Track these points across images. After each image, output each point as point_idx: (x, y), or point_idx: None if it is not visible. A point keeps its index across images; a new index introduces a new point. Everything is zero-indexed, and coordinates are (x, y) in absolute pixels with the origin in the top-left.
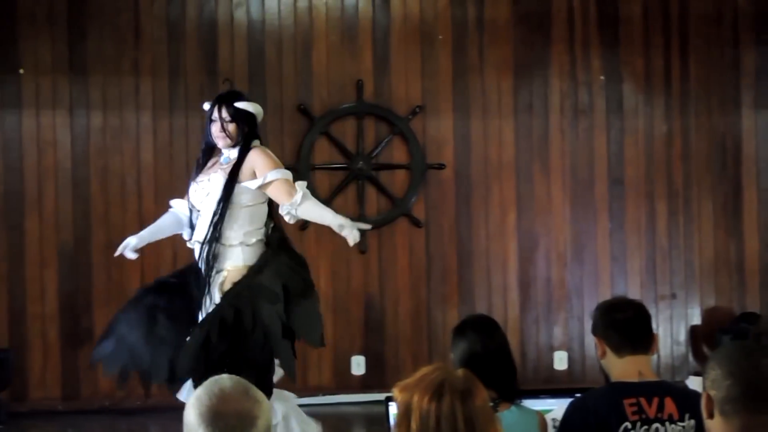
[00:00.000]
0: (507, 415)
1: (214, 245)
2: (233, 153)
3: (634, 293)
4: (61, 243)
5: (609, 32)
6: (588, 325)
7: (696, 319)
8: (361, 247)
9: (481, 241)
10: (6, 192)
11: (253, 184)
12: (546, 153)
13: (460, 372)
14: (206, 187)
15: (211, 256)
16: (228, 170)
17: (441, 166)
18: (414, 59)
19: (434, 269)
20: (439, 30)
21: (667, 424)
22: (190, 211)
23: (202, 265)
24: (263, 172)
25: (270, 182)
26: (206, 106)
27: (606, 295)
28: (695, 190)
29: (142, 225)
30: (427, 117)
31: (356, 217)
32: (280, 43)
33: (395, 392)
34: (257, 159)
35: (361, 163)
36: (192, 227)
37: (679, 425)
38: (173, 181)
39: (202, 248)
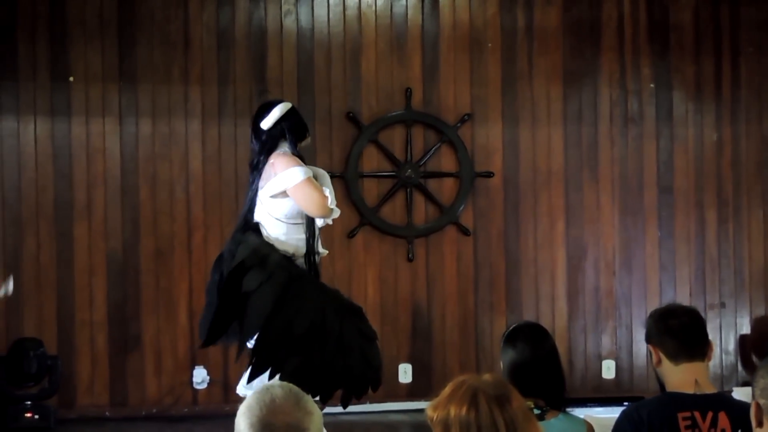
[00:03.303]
0: (554, 423)
1: None
2: None
3: (682, 302)
4: (109, 250)
5: (659, 40)
6: (636, 334)
7: (745, 329)
8: (409, 255)
9: (529, 249)
10: (55, 199)
11: None
12: (595, 161)
13: (489, 377)
14: None
15: None
16: None
17: (489, 175)
18: (463, 67)
19: (482, 277)
20: (489, 38)
21: None
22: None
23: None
24: None
25: None
26: (283, 107)
27: (655, 304)
28: (745, 199)
29: (190, 233)
30: (476, 125)
31: (404, 226)
32: (329, 51)
33: (429, 412)
34: None
35: (409, 171)
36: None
37: None
38: (222, 188)
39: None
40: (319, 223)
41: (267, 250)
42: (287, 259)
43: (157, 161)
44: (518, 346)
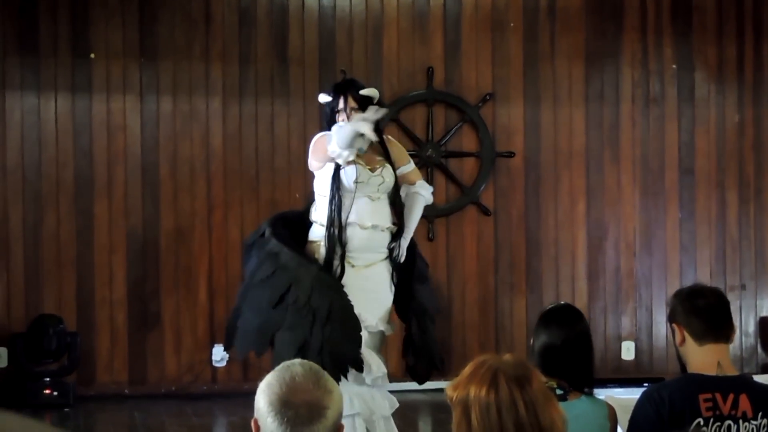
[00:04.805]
0: (576, 404)
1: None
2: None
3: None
4: (129, 228)
5: (682, 20)
6: (656, 315)
7: (766, 311)
8: (430, 234)
9: (549, 229)
10: (76, 176)
11: (398, 174)
12: (616, 142)
13: (510, 358)
14: (382, 177)
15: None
16: (388, 166)
17: (510, 155)
18: (485, 46)
19: (502, 257)
20: (511, 17)
21: (740, 421)
22: (338, 184)
23: (385, 248)
24: (405, 161)
25: (412, 170)
26: (323, 97)
27: (675, 286)
28: (766, 180)
29: (210, 211)
30: (498, 105)
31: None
32: (351, 30)
33: (449, 392)
34: (397, 150)
35: (430, 150)
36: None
37: (753, 423)
38: (242, 166)
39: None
40: (347, 203)
41: (263, 228)
42: (275, 234)
43: (177, 139)
44: (550, 327)
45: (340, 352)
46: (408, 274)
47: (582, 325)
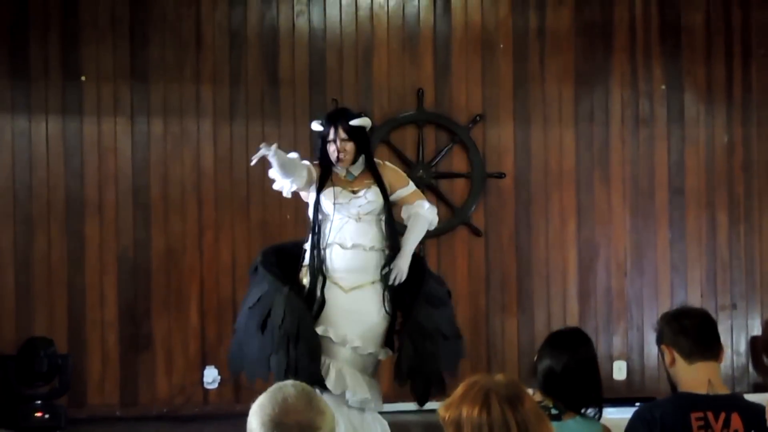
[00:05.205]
0: (571, 424)
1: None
2: (355, 168)
3: (694, 304)
4: (120, 249)
5: (671, 41)
6: (647, 335)
7: (756, 330)
8: (421, 255)
9: (540, 250)
10: (67, 198)
11: (396, 197)
12: (606, 162)
13: (502, 378)
14: (364, 198)
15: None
16: (374, 187)
17: (501, 175)
18: (475, 67)
19: (493, 278)
20: (500, 38)
21: None
22: (318, 208)
23: (375, 270)
24: (403, 184)
25: (410, 192)
26: (315, 125)
27: (666, 306)
28: (756, 200)
29: (201, 232)
30: (488, 126)
31: None
32: (341, 51)
33: (441, 413)
34: (392, 174)
35: (421, 171)
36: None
37: None
38: (233, 188)
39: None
40: (327, 225)
41: (257, 258)
42: (263, 262)
43: (168, 161)
44: (554, 350)
45: (302, 369)
46: (412, 295)
47: (585, 351)
